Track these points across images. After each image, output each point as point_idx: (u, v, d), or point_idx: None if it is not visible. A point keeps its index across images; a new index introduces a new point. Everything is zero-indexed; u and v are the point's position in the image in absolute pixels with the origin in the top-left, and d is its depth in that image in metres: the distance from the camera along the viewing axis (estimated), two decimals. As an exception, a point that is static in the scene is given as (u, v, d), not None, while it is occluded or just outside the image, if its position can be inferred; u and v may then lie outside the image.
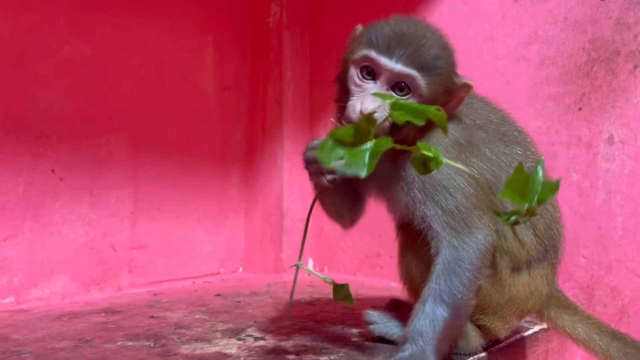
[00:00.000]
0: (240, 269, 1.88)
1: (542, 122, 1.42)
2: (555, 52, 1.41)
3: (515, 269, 1.00)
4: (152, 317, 1.23)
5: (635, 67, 1.29)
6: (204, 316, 1.24)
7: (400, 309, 1.14)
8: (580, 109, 1.37)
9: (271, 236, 1.81)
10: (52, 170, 1.40)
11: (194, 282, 1.71)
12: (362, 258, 1.80)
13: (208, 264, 1.78)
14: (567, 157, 1.38)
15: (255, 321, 1.19)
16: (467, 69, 1.54)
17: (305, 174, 1.05)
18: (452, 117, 0.97)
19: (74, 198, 1.44)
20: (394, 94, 0.91)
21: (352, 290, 1.61)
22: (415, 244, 0.99)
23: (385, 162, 0.95)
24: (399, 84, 0.92)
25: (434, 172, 0.91)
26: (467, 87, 0.94)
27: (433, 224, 0.94)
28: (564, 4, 1.40)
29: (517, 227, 0.98)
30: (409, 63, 0.89)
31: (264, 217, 1.85)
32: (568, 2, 1.39)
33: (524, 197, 0.75)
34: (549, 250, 1.04)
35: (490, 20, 1.52)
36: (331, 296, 1.49)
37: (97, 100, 1.50)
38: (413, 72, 0.89)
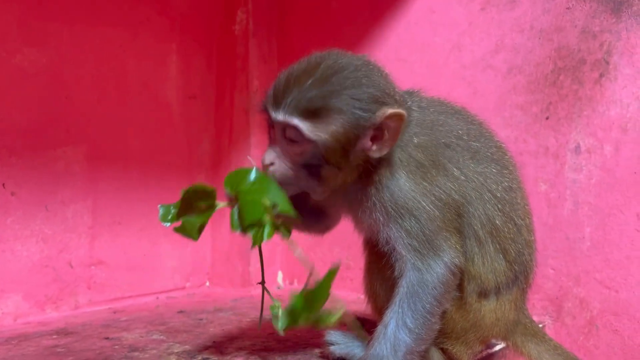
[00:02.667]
0: (207, 283, 1.82)
1: (510, 132, 1.40)
2: (522, 60, 1.40)
3: (483, 294, 0.96)
4: (107, 338, 1.17)
5: (601, 76, 1.28)
6: (161, 336, 1.19)
7: (364, 327, 1.10)
8: (547, 118, 1.36)
9: (238, 249, 1.76)
10: (3, 185, 1.33)
11: (157, 298, 1.65)
12: (332, 270, 1.76)
13: (173, 279, 1.73)
14: (535, 166, 1.37)
15: (214, 342, 1.14)
16: (435, 78, 1.53)
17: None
18: (408, 139, 0.92)
19: (28, 213, 1.38)
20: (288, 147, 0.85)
21: (321, 304, 1.58)
22: (380, 262, 0.95)
23: (351, 185, 0.93)
24: (288, 137, 0.85)
25: (397, 195, 0.90)
26: (397, 118, 0.85)
27: (397, 246, 0.91)
28: (530, 12, 1.39)
29: (486, 252, 0.95)
30: (292, 111, 0.83)
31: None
32: (534, 10, 1.38)
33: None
34: (519, 276, 1.00)
35: (457, 29, 1.50)
36: (298, 311, 1.46)
37: (52, 110, 1.44)
38: (293, 120, 0.83)
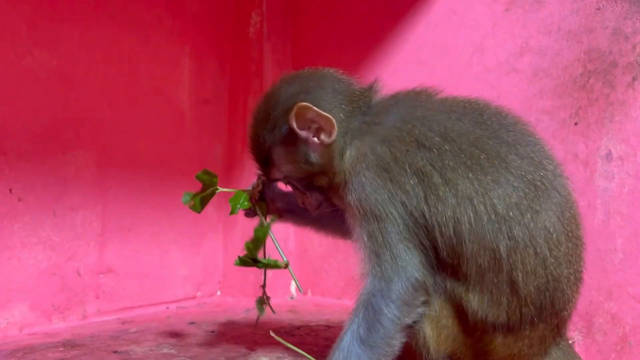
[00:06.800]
0: (219, 292, 1.77)
1: (535, 138, 1.34)
2: (549, 63, 1.33)
3: (492, 326, 0.87)
4: (115, 352, 1.12)
5: (634, 79, 1.22)
6: (172, 350, 1.13)
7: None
8: (576, 124, 1.29)
9: (251, 257, 1.71)
10: (10, 190, 1.29)
11: (167, 308, 1.60)
12: (348, 280, 1.71)
13: (184, 288, 1.68)
14: (563, 174, 1.30)
15: (227, 357, 1.09)
16: (456, 81, 1.47)
17: (288, 189, 1.11)
18: (369, 130, 0.93)
19: (35, 219, 1.34)
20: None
21: (337, 315, 1.52)
22: None
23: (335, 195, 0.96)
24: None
25: (361, 195, 0.89)
26: (303, 110, 0.93)
27: (360, 248, 0.88)
28: (558, 13, 1.33)
29: (485, 283, 0.85)
30: (263, 169, 1.04)
31: (243, 237, 1.74)
32: (561, 11, 1.32)
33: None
34: (545, 312, 0.87)
35: (479, 31, 1.44)
36: (313, 324, 1.41)
37: (62, 114, 1.40)
38: (270, 176, 1.03)
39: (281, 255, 1.05)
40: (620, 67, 1.24)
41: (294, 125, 0.93)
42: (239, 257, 1.04)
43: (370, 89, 1.01)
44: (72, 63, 1.42)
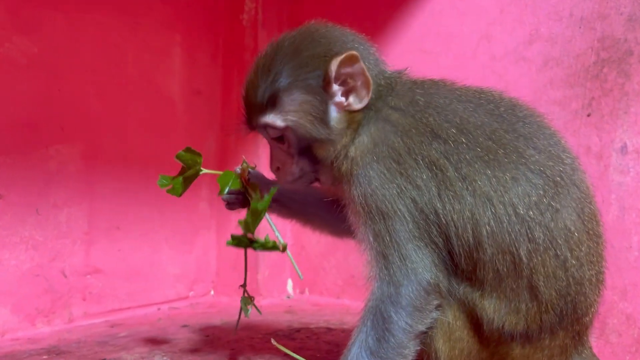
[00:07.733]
0: (212, 292, 1.70)
1: (545, 130, 1.28)
2: (560, 52, 1.27)
3: (509, 335, 0.81)
4: (104, 359, 1.05)
5: (650, 68, 1.16)
6: (164, 357, 1.06)
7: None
8: (589, 115, 1.24)
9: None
10: (-11, 187, 1.21)
11: (159, 309, 1.53)
12: (348, 279, 1.64)
13: (176, 288, 1.61)
14: (574, 168, 1.24)
15: (224, 364, 1.02)
16: (462, 71, 1.41)
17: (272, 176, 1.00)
18: (385, 117, 0.85)
19: (17, 218, 1.26)
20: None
21: (337, 316, 1.46)
22: None
23: (342, 182, 0.87)
24: (272, 137, 0.88)
25: (367, 191, 0.82)
26: (350, 60, 0.83)
27: (365, 250, 0.82)
28: (569, -2, 1.27)
29: (504, 288, 0.79)
30: (257, 113, 0.87)
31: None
32: (574, -4, 1.26)
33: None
34: (565, 318, 0.82)
35: (486, 17, 1.38)
36: (313, 327, 1.34)
37: (45, 105, 1.32)
38: (261, 121, 0.86)
39: (278, 238, 0.92)
40: (636, 56, 1.18)
41: (333, 72, 0.83)
42: (232, 235, 0.89)
43: (399, 73, 0.93)
44: (56, 50, 1.34)
